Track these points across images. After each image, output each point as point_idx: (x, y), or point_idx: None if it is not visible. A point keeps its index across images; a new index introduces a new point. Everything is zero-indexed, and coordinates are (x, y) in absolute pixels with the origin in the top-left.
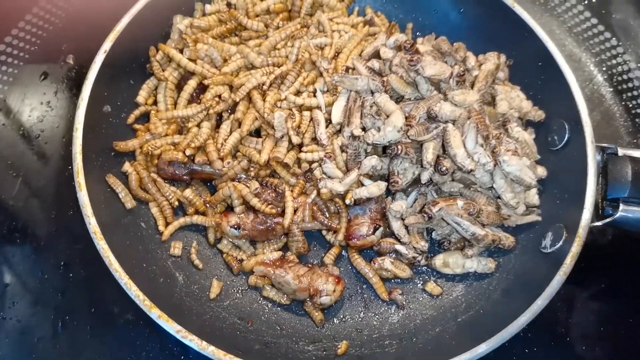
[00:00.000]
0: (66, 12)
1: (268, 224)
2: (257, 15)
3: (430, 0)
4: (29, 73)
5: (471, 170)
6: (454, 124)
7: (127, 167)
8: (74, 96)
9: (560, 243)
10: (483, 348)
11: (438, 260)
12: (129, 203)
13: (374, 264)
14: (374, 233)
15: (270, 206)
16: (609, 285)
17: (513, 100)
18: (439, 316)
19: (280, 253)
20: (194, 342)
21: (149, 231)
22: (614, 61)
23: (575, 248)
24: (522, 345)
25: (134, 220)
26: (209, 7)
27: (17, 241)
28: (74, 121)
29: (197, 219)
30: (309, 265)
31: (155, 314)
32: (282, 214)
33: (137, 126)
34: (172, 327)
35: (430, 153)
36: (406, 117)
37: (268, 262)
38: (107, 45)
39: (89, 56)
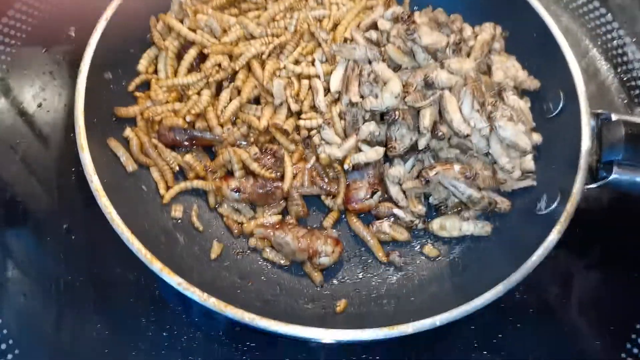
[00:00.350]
0: None
1: (268, 188)
2: None
3: None
4: (31, 45)
5: (467, 135)
6: (450, 91)
7: (128, 132)
8: (76, 67)
9: (555, 204)
10: (477, 303)
11: (435, 224)
12: (131, 166)
13: (372, 226)
14: (372, 197)
15: (269, 171)
16: (604, 252)
17: (508, 69)
18: (435, 277)
19: (279, 217)
20: (195, 294)
21: (150, 194)
22: (609, 36)
23: (570, 207)
24: (516, 309)
25: (135, 183)
26: None
27: (21, 207)
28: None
29: (198, 184)
30: (308, 228)
31: (157, 267)
32: (282, 178)
33: (138, 93)
34: (173, 279)
35: (427, 119)
36: (403, 85)
37: (268, 224)
38: (108, 13)
39: (90, 28)
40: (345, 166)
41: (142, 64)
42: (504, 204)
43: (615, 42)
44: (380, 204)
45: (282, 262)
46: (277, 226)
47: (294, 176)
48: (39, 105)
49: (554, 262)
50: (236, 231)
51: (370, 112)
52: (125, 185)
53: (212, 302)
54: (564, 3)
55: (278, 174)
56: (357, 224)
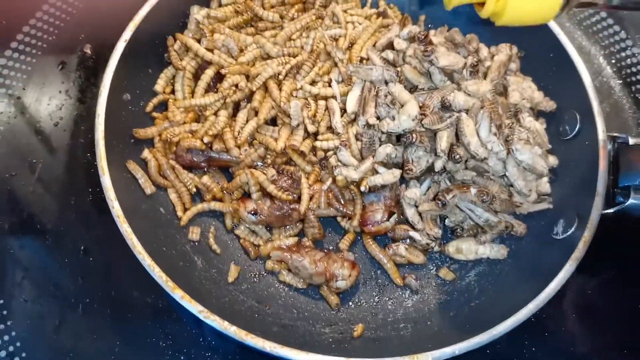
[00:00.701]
0: (83, 1)
1: (284, 210)
2: (273, 7)
3: None
4: (47, 63)
5: (484, 159)
6: (467, 113)
7: (146, 154)
8: (92, 85)
9: (572, 229)
10: (496, 332)
11: (451, 247)
12: (149, 189)
13: (389, 249)
14: (388, 220)
15: (286, 193)
16: (621, 273)
17: (525, 90)
18: (452, 301)
19: (296, 239)
20: (216, 322)
21: (168, 216)
22: (622, 54)
23: (587, 234)
24: (534, 330)
25: (153, 206)
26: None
27: (38, 227)
28: (95, 109)
29: (215, 205)
30: (325, 251)
31: (178, 294)
32: (298, 200)
33: (155, 114)
34: (194, 307)
35: (444, 141)
36: (420, 106)
37: (285, 247)
38: (127, 34)
39: (106, 46)
40: (362, 188)
41: (160, 84)
42: (520, 227)
43: (629, 60)
44: (397, 227)
45: (299, 285)
46: (294, 249)
47: (310, 198)
48: (56, 125)
49: (570, 285)
50: (253, 254)
51: (387, 134)
52: (144, 207)
53: (233, 331)
54: (577, 20)
55: (295, 196)
56: (373, 247)
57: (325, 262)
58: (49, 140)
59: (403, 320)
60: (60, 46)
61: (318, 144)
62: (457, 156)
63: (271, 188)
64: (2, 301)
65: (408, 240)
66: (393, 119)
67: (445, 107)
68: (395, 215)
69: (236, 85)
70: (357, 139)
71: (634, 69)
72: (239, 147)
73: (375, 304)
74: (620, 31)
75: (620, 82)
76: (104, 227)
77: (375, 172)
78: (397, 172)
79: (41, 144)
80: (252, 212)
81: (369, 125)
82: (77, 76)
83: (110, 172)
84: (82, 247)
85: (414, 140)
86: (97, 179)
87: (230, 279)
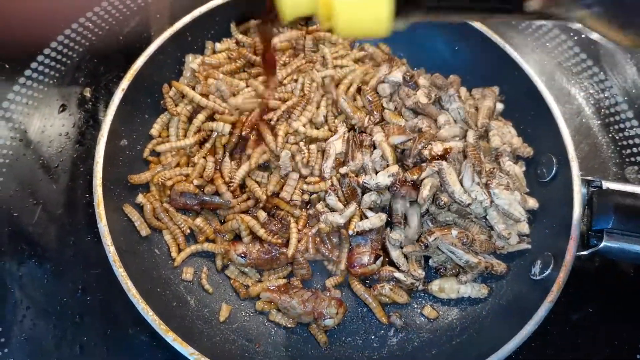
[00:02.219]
0: (83, 46)
1: (273, 254)
2: None
3: (424, 38)
4: (48, 105)
5: (469, 205)
6: (447, 161)
7: (140, 198)
8: (91, 127)
9: (549, 270)
10: None
11: (434, 286)
12: (144, 231)
13: (374, 290)
14: (374, 262)
15: (276, 236)
16: (597, 310)
17: (505, 135)
18: (435, 339)
19: (285, 280)
20: None
21: (163, 257)
22: (601, 95)
23: (562, 275)
24: None
25: (148, 247)
26: (218, 46)
27: (37, 266)
28: (94, 151)
29: (207, 247)
30: (313, 290)
31: (170, 337)
32: (287, 244)
33: (150, 158)
34: (186, 350)
35: (426, 190)
36: (402, 151)
37: (273, 288)
38: (124, 84)
39: (104, 89)
40: (350, 232)
41: (155, 129)
42: (500, 266)
43: (607, 101)
44: (382, 268)
45: (288, 324)
46: (283, 289)
47: (299, 241)
48: (56, 166)
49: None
50: (242, 294)
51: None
52: (139, 250)
53: None
54: (557, 62)
55: (284, 239)
56: (358, 287)
57: (313, 301)
58: (49, 181)
59: (387, 357)
60: (60, 89)
61: (305, 187)
62: (442, 203)
63: (261, 232)
64: (3, 339)
65: (393, 281)
66: (376, 172)
67: (423, 160)
68: (381, 258)
69: (232, 128)
70: (340, 185)
71: (612, 110)
72: (232, 191)
73: (361, 342)
74: (599, 72)
75: (599, 122)
76: (101, 267)
77: (363, 215)
78: (383, 216)
79: (42, 184)
80: (242, 255)
81: (342, 175)
82: (77, 119)
83: (108, 217)
84: (81, 286)
85: (401, 193)
86: (96, 220)
87: (222, 319)
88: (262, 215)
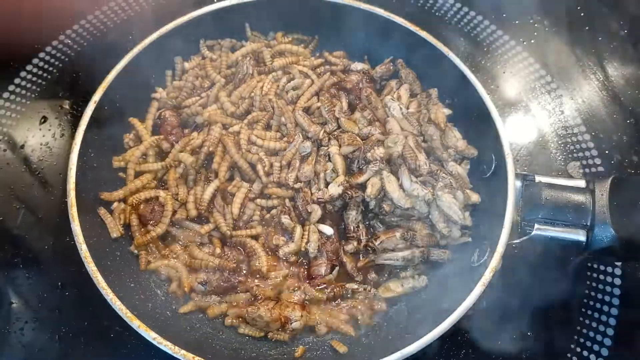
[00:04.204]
0: (62, 62)
1: (231, 282)
2: (229, 67)
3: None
4: (30, 117)
5: (408, 208)
6: (388, 164)
7: (115, 205)
8: (69, 137)
9: (485, 257)
10: (411, 348)
11: (380, 290)
12: (115, 232)
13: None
14: (331, 272)
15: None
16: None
17: (450, 139)
18: (390, 321)
19: (249, 295)
20: (167, 347)
21: (134, 254)
22: (548, 96)
23: (494, 262)
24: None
25: (121, 246)
26: (187, 65)
27: (20, 265)
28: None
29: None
30: (276, 299)
31: (135, 324)
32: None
33: (123, 174)
34: (149, 334)
35: (369, 189)
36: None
37: (239, 304)
38: (96, 96)
39: (82, 102)
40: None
41: (127, 140)
42: (444, 254)
43: (554, 101)
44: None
45: (257, 334)
46: (248, 303)
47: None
48: (38, 173)
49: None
50: (209, 314)
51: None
52: (112, 247)
53: (182, 354)
54: (509, 66)
55: (239, 265)
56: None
57: (277, 308)
58: (32, 187)
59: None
60: (42, 102)
61: (258, 201)
62: (384, 211)
63: (216, 262)
64: None
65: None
66: (327, 185)
67: (367, 162)
68: (337, 268)
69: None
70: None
71: (558, 109)
72: (199, 211)
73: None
74: (546, 75)
75: (547, 121)
76: (78, 265)
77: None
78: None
79: (25, 190)
80: (202, 283)
81: (295, 190)
82: (57, 130)
83: (81, 218)
84: (59, 283)
85: (352, 196)
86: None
87: (186, 310)
88: (218, 250)
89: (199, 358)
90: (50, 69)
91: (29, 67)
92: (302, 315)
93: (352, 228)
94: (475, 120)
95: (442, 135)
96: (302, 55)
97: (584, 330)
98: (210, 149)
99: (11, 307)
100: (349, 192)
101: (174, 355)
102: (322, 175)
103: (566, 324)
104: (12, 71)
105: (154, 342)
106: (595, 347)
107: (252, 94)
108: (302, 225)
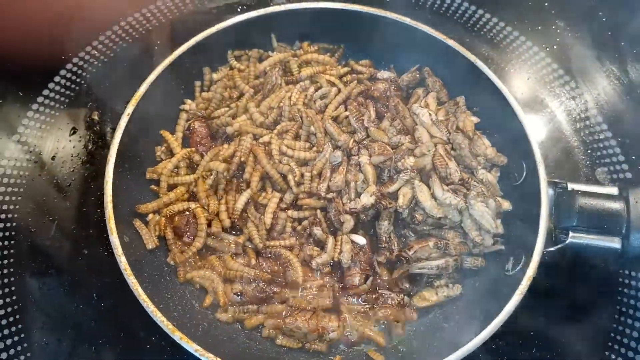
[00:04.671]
0: (90, 72)
1: (267, 293)
2: (257, 77)
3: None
4: (59, 128)
5: (440, 218)
6: (419, 173)
7: (150, 217)
8: (100, 148)
9: (520, 266)
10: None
11: (416, 299)
12: (151, 244)
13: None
14: (365, 282)
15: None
16: (568, 300)
17: (479, 147)
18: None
19: (284, 306)
20: (209, 359)
21: (170, 266)
22: (573, 102)
23: (531, 270)
24: (491, 355)
25: (156, 257)
26: (215, 76)
27: (54, 277)
28: (103, 174)
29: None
30: (312, 309)
31: (177, 336)
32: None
33: (154, 188)
34: (191, 347)
35: (401, 198)
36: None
37: (276, 314)
38: (129, 109)
39: (111, 112)
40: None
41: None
42: (477, 261)
43: (578, 108)
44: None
45: (294, 345)
46: (285, 314)
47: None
48: (69, 185)
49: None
50: (247, 325)
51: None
52: (148, 259)
53: None
54: (532, 71)
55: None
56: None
57: (314, 319)
58: (63, 199)
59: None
60: (71, 113)
61: (290, 213)
62: (416, 220)
63: (252, 272)
64: (25, 344)
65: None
66: (357, 195)
67: (397, 171)
68: (371, 278)
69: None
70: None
71: (582, 115)
72: (232, 220)
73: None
74: (570, 81)
75: (571, 127)
76: (113, 277)
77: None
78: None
79: (57, 202)
80: (238, 294)
81: (328, 200)
82: (87, 142)
83: (118, 230)
84: (95, 294)
85: (385, 207)
86: (106, 234)
87: (224, 319)
88: (253, 261)
89: None
90: (79, 79)
91: (57, 78)
92: (338, 326)
93: (384, 239)
94: (504, 128)
95: (471, 143)
96: (328, 64)
97: (618, 337)
98: (242, 158)
99: (48, 318)
100: (383, 203)
101: None
102: (352, 185)
103: (600, 332)
104: (41, 82)
105: (196, 354)
106: (630, 354)
107: (281, 104)
108: (334, 236)
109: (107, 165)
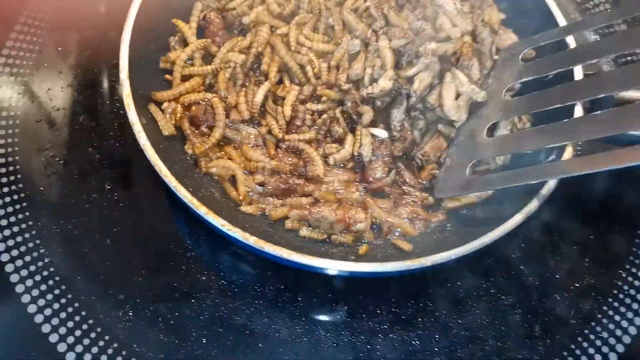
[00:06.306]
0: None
1: (289, 185)
2: None
3: None
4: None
5: (453, 121)
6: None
7: (166, 105)
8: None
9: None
10: (483, 240)
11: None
12: (167, 130)
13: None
14: (388, 175)
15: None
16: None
17: (504, 42)
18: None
19: (310, 199)
20: (237, 233)
21: (189, 154)
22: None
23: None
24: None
25: (173, 146)
26: None
27: (68, 167)
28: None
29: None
30: (337, 201)
31: (202, 211)
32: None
33: (168, 77)
34: (217, 221)
35: (416, 83)
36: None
37: (301, 205)
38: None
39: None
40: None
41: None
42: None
43: None
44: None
45: (319, 237)
46: (311, 204)
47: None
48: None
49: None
50: (272, 217)
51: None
52: (164, 146)
53: (253, 240)
54: None
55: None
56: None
57: (342, 209)
58: (70, 89)
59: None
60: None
61: (309, 105)
62: (430, 105)
63: (273, 164)
64: (34, 232)
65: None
66: (374, 80)
67: (418, 57)
68: (394, 171)
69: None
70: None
71: None
72: (251, 113)
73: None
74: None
75: None
76: (125, 166)
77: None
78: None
79: (64, 92)
80: (260, 184)
81: (344, 91)
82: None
83: (137, 110)
84: (108, 184)
85: (399, 88)
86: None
87: (248, 211)
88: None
89: (270, 244)
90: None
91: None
92: (365, 217)
93: (398, 127)
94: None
95: (496, 38)
96: None
97: None
98: (259, 49)
99: (61, 206)
100: (400, 82)
101: (244, 241)
102: (368, 71)
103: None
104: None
105: (223, 229)
106: None
107: None
108: (353, 132)
109: (121, 44)
